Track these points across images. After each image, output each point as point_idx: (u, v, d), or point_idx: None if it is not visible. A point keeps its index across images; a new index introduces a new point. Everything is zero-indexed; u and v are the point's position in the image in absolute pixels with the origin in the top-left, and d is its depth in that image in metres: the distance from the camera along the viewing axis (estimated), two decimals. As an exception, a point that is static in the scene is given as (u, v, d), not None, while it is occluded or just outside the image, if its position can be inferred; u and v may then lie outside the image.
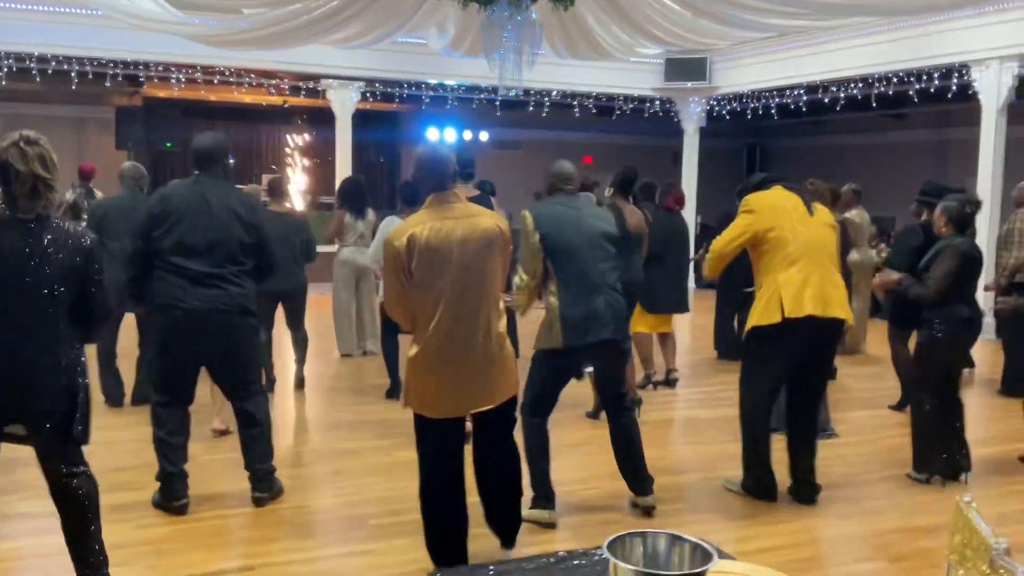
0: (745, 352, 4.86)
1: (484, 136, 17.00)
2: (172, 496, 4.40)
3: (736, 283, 7.43)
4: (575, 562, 2.15)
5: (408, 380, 3.45)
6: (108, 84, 12.24)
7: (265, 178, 7.50)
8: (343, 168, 13.25)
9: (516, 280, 4.31)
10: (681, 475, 5.26)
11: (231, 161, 4.72)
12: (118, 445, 5.44)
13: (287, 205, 7.66)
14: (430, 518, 3.61)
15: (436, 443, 3.49)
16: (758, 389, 4.75)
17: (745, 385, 4.81)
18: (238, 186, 5.63)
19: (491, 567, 2.24)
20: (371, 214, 8.32)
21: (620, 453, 4.54)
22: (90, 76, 11.84)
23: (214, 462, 5.20)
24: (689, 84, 14.39)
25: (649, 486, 4.56)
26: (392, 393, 6.97)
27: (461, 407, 3.41)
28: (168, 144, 14.64)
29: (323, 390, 7.40)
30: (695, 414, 7.00)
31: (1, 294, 3.08)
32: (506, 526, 3.82)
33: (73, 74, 11.60)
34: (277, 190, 7.37)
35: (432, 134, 16.93)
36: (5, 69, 11.31)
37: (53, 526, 3.39)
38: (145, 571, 3.80)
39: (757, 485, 4.81)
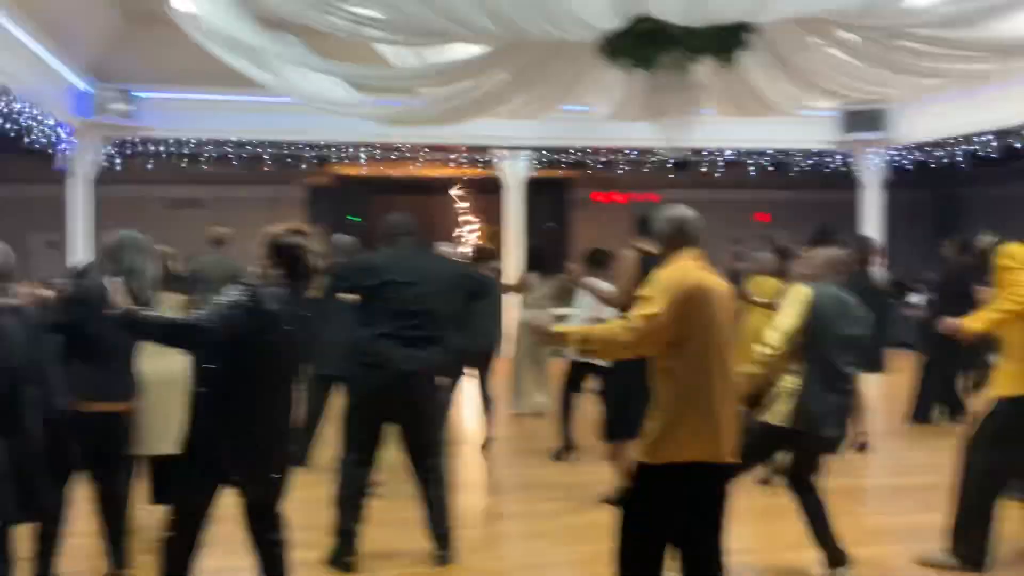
0: (1004, 417, 4.52)
1: (656, 199, 16.96)
2: (345, 552, 4.57)
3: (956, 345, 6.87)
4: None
5: (660, 425, 3.26)
6: (302, 166, 13.19)
7: (444, 245, 7.96)
8: (515, 235, 13.58)
9: (762, 350, 4.28)
10: (874, 546, 4.92)
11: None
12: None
13: (492, 268, 7.94)
14: None
15: (675, 494, 3.26)
16: (1015, 455, 4.53)
17: (998, 452, 4.50)
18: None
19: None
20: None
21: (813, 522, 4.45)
22: (286, 159, 12.81)
23: (383, 521, 5.34)
24: (868, 135, 13.84)
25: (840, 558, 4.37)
26: (560, 455, 6.96)
27: (720, 452, 3.27)
28: (355, 218, 15.52)
29: (500, 451, 7.46)
30: (885, 482, 6.57)
31: (278, 365, 3.50)
32: None
33: (266, 156, 12.59)
34: (483, 255, 7.72)
35: (601, 198, 17.11)
36: (206, 155, 12.43)
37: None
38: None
39: (978, 552, 4.52)
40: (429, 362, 4.56)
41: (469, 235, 15.93)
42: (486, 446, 7.43)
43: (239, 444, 3.40)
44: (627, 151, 13.78)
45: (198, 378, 3.51)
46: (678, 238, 3.44)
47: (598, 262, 6.77)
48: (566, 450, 6.99)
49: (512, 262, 13.00)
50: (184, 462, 3.47)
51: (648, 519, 3.32)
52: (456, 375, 7.15)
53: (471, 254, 7.62)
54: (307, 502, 5.67)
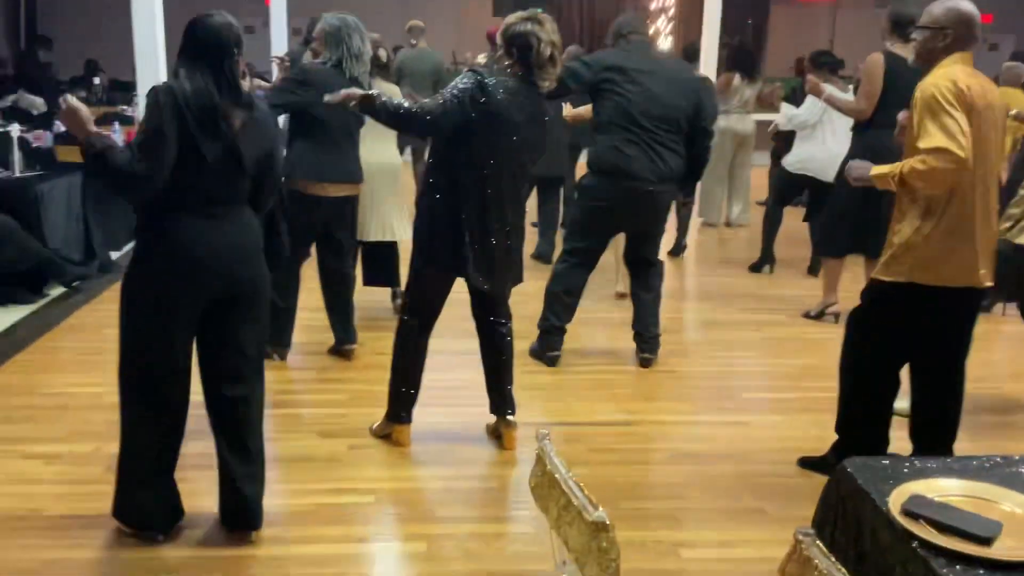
0: None
1: (865, -5, 15.44)
2: (549, 347, 4.70)
3: None
4: (1014, 469, 1.97)
5: (911, 243, 3.04)
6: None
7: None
8: (710, 33, 12.78)
9: None
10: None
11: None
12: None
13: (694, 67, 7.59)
14: (861, 399, 3.31)
15: (920, 314, 3.11)
16: None
17: None
18: None
19: (908, 461, 2.13)
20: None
21: None
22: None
23: (590, 320, 5.45)
24: None
25: None
26: (757, 267, 6.82)
27: (976, 277, 3.05)
28: (540, 9, 15.00)
29: (689, 259, 7.39)
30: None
31: (507, 158, 3.41)
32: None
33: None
34: (693, 54, 7.37)
35: (806, -6, 15.74)
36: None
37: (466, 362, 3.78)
38: (533, 414, 4.11)
39: None
40: (672, 174, 4.42)
41: (663, 30, 15.15)
42: (676, 252, 7.35)
43: (469, 242, 3.40)
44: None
45: (428, 171, 3.52)
46: (956, 39, 3.01)
47: (825, 66, 6.28)
48: (766, 262, 6.82)
49: (708, 63, 12.36)
50: (416, 255, 3.55)
51: (886, 336, 3.21)
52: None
53: (682, 53, 7.23)
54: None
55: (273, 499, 3.09)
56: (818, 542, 1.35)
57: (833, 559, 1.33)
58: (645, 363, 4.71)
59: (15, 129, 5.84)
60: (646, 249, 4.67)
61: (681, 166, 4.46)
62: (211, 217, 2.71)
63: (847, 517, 1.98)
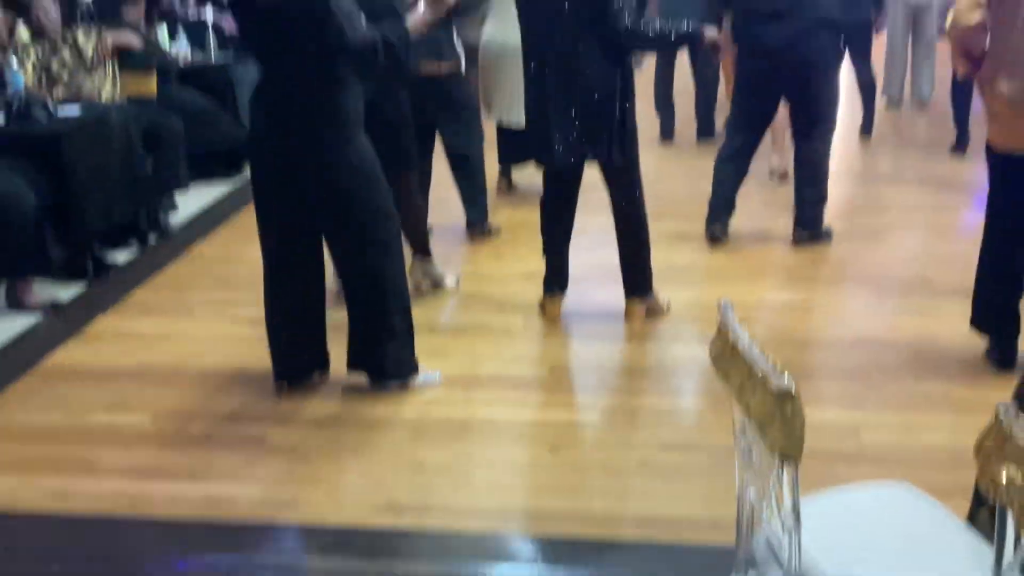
0: None
1: None
2: (714, 220, 4.59)
3: None
4: None
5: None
6: None
7: None
8: None
9: None
10: None
11: None
12: (675, 178, 5.75)
13: None
14: (982, 282, 3.28)
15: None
16: None
17: None
18: None
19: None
20: None
21: None
22: None
23: (759, 201, 5.27)
24: None
25: None
26: (958, 147, 6.30)
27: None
28: None
29: (880, 140, 6.88)
30: None
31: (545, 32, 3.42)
32: None
33: None
34: None
35: None
36: None
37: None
38: (707, 292, 4.08)
39: None
40: (799, 29, 4.17)
41: None
42: (867, 131, 6.88)
43: (537, 124, 3.52)
44: None
45: None
46: None
47: None
48: (961, 143, 6.30)
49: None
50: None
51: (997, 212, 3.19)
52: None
53: None
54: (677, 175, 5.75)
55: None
56: (1022, 414, 1.29)
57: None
58: (798, 239, 4.57)
59: (209, 15, 6.11)
60: (808, 110, 4.46)
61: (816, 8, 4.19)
62: None
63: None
